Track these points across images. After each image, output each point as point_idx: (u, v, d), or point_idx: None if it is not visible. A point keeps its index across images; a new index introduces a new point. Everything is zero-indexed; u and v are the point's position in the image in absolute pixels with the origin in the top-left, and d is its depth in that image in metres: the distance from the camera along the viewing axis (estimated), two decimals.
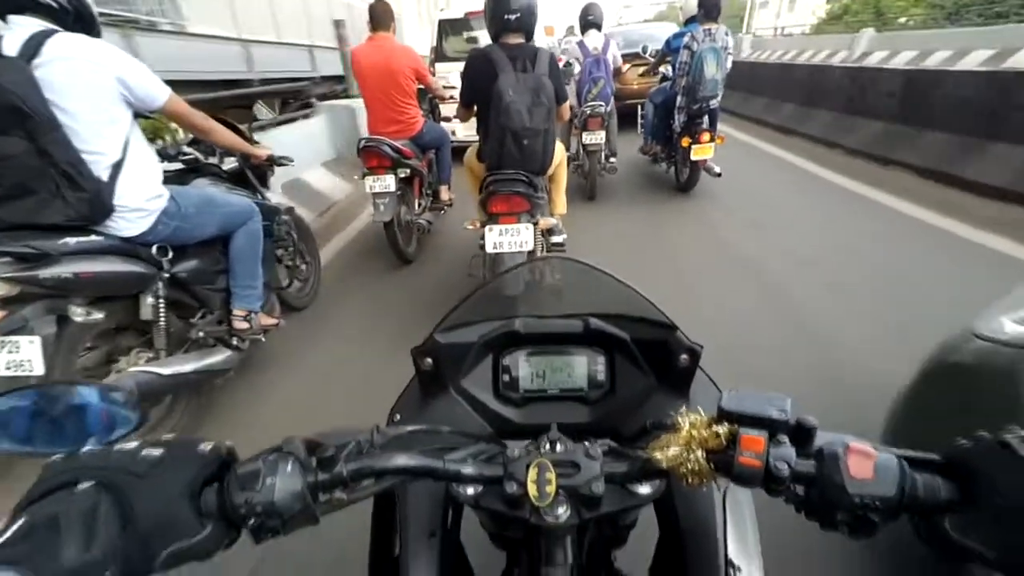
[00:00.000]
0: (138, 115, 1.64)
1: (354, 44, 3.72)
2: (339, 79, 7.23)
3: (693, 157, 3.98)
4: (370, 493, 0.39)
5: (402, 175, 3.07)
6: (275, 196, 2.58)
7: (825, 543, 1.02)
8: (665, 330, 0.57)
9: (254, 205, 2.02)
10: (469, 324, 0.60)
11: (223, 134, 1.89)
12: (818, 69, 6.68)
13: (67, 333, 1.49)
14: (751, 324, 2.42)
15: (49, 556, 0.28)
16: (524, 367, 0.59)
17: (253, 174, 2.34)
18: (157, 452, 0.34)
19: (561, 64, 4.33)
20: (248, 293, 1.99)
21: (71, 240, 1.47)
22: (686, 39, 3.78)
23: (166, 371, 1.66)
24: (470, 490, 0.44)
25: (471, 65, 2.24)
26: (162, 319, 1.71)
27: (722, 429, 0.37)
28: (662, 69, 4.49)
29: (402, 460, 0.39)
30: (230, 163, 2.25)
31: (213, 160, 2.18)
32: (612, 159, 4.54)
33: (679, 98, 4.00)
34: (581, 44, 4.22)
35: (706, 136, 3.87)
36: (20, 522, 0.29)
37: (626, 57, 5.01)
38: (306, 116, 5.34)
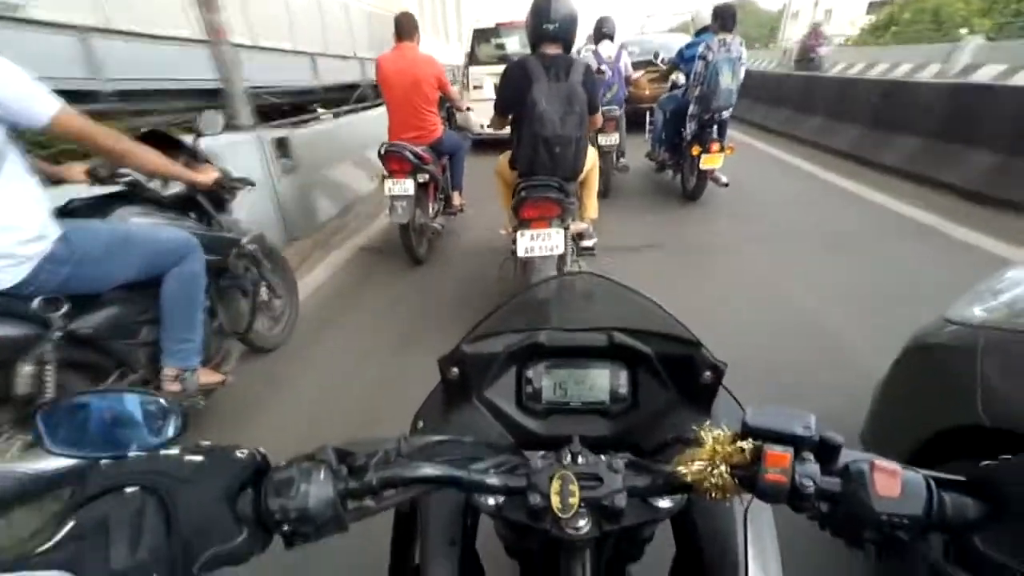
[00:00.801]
0: (21, 135, 1.29)
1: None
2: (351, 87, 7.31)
3: (702, 166, 4.00)
4: (397, 501, 0.40)
5: (420, 180, 3.18)
6: (236, 222, 2.20)
7: (843, 560, 1.00)
8: (689, 346, 0.57)
9: (194, 240, 1.69)
10: (495, 335, 0.60)
11: (141, 157, 1.52)
12: (899, 86, 5.58)
13: None
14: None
15: (98, 559, 0.29)
16: (547, 379, 0.60)
17: (208, 198, 1.99)
18: (199, 458, 0.36)
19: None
20: (182, 348, 1.66)
21: None
22: (701, 49, 3.82)
23: (38, 467, 1.14)
24: (491, 500, 0.44)
25: (507, 75, 2.28)
26: (49, 391, 1.32)
27: (747, 445, 0.37)
28: (673, 77, 4.51)
29: (428, 470, 0.40)
30: (177, 186, 1.86)
31: (153, 184, 1.81)
32: (623, 159, 4.84)
33: (692, 107, 4.03)
34: (596, 53, 4.44)
35: (716, 146, 3.89)
36: (70, 525, 0.30)
37: (640, 64, 5.44)
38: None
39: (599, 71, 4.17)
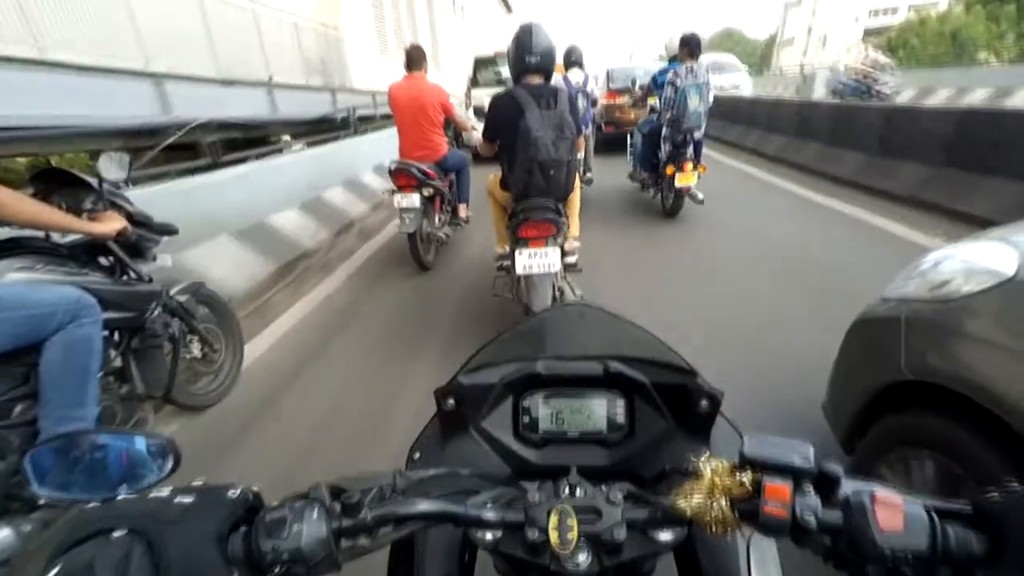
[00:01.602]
0: None
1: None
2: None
3: (677, 184, 4.22)
4: (392, 539, 0.39)
5: (426, 193, 3.49)
6: (163, 270, 1.95)
7: None
8: (685, 375, 0.56)
9: (87, 299, 1.43)
10: (491, 365, 0.59)
11: (15, 207, 1.30)
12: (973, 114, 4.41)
13: None
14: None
15: None
16: (544, 409, 0.58)
17: (122, 246, 1.71)
18: (189, 499, 0.34)
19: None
20: (66, 428, 1.38)
21: None
22: (670, 75, 4.11)
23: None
24: (489, 535, 0.42)
25: (497, 105, 2.41)
26: None
27: (746, 477, 0.36)
28: (650, 102, 4.74)
29: (424, 505, 0.39)
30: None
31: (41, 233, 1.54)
32: (589, 173, 5.47)
33: (664, 129, 4.31)
34: (566, 79, 4.96)
35: (689, 165, 4.14)
36: (55, 570, 0.29)
37: (619, 90, 6.47)
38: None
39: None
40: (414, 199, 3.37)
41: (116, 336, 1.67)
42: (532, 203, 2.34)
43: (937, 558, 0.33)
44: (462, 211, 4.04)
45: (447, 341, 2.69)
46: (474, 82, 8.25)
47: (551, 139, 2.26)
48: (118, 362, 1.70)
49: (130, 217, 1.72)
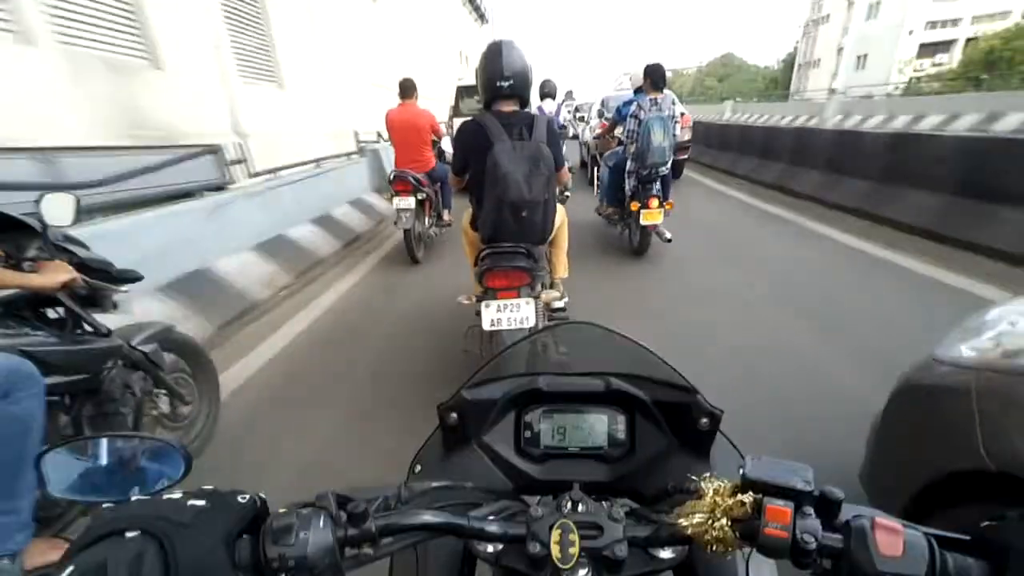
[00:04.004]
0: None
1: None
2: None
3: (642, 222, 4.01)
4: (396, 549, 0.39)
5: (420, 197, 4.31)
6: (124, 317, 1.78)
7: None
8: (685, 393, 0.57)
9: (25, 367, 1.22)
10: (494, 381, 0.60)
11: None
12: None
13: None
14: None
15: None
16: (545, 424, 0.60)
17: (74, 297, 1.51)
18: (201, 502, 0.35)
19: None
20: None
21: None
22: (633, 108, 3.97)
23: None
24: (490, 548, 0.44)
25: (463, 134, 2.11)
26: None
27: (747, 498, 0.37)
28: (617, 133, 4.59)
29: (428, 517, 0.39)
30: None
31: None
32: (566, 192, 5.33)
33: (629, 163, 4.11)
34: (540, 109, 5.47)
35: (655, 202, 3.91)
36: (69, 569, 0.30)
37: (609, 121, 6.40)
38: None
39: (561, 127, 4.98)
40: (410, 201, 4.17)
41: (67, 400, 1.45)
42: (500, 248, 2.04)
43: None
44: (445, 216, 5.04)
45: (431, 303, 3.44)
46: (456, 111, 8.01)
47: (523, 175, 1.95)
48: (70, 430, 1.47)
49: (82, 265, 1.51)
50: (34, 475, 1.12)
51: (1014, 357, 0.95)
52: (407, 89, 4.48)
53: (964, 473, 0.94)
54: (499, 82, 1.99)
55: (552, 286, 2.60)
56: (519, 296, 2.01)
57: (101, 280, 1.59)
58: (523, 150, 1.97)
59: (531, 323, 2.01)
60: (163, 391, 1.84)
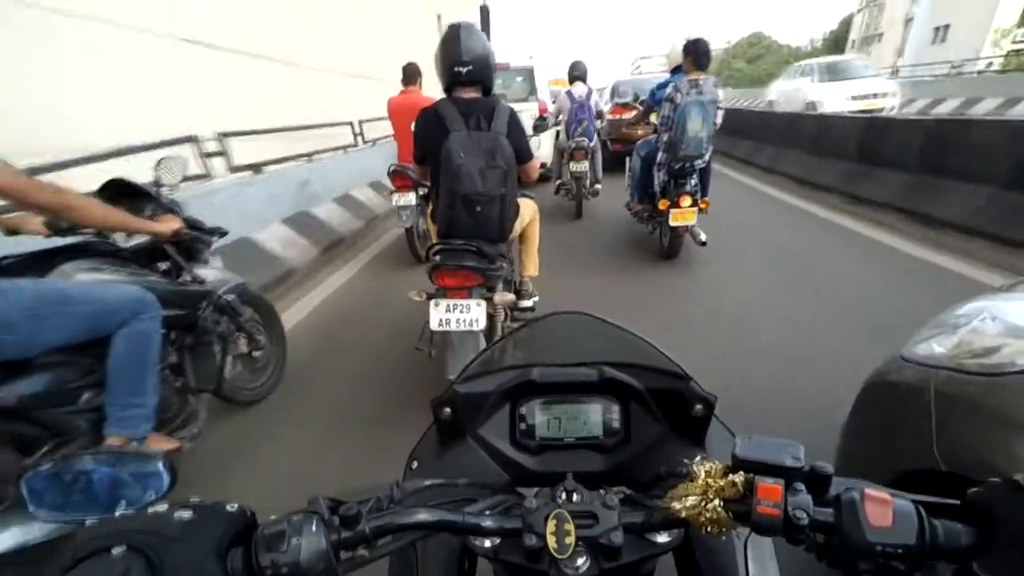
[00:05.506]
0: None
1: None
2: None
3: (671, 223, 3.49)
4: (391, 550, 0.39)
5: (421, 193, 3.77)
6: (213, 271, 2.05)
7: None
8: (679, 380, 0.56)
9: (148, 297, 1.55)
10: (487, 374, 0.60)
11: (85, 211, 1.41)
12: None
13: None
14: None
15: None
16: (540, 415, 0.59)
17: (177, 248, 1.86)
18: (188, 514, 0.34)
19: (550, 110, 5.92)
20: (128, 415, 1.48)
21: None
22: (669, 90, 3.43)
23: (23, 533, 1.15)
24: (487, 543, 0.44)
25: (421, 121, 2.00)
26: None
27: (738, 478, 0.37)
28: (652, 119, 3.92)
29: (422, 515, 0.39)
30: (142, 236, 1.74)
31: (118, 235, 1.71)
32: (597, 184, 5.36)
33: (660, 154, 3.61)
34: (569, 93, 5.18)
35: (686, 200, 3.40)
36: None
37: (624, 105, 6.29)
38: None
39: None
40: (410, 197, 3.75)
41: (172, 334, 1.80)
42: (452, 244, 1.94)
43: (926, 552, 0.34)
44: None
45: None
46: None
47: (477, 168, 1.86)
48: (174, 357, 1.83)
49: (183, 221, 1.85)
50: (156, 379, 1.56)
51: (981, 357, 0.91)
52: (411, 75, 4.10)
53: (920, 472, 0.93)
54: (456, 67, 1.89)
55: (521, 284, 2.54)
56: (470, 297, 1.92)
57: (196, 233, 1.94)
58: (480, 141, 1.88)
59: (481, 326, 1.91)
60: (242, 335, 2.20)
